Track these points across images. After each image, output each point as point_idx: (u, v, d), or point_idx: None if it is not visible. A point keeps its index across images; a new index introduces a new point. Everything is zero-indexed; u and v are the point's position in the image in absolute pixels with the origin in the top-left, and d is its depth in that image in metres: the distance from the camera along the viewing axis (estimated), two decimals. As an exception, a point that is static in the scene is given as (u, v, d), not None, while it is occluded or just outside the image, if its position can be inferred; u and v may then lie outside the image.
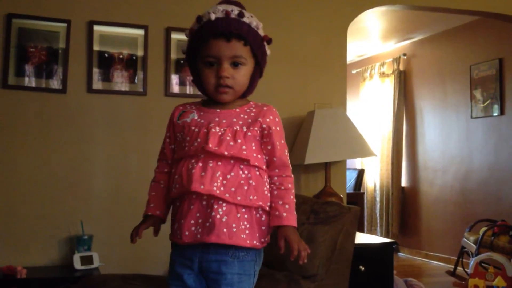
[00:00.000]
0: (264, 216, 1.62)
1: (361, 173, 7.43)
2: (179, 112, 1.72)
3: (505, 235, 4.62)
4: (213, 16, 1.61)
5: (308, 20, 3.52)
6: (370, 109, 7.28)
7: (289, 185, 1.65)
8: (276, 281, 2.44)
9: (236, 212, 1.56)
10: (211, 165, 1.57)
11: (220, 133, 1.60)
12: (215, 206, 1.55)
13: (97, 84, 3.16)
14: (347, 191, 6.87)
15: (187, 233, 1.57)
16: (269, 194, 1.63)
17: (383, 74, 7.06)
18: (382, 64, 7.07)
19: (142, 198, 3.11)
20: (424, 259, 6.15)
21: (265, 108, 1.73)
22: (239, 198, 1.56)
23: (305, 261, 1.61)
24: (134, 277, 2.72)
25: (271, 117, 1.70)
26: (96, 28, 3.15)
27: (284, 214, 1.59)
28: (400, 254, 6.56)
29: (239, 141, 1.60)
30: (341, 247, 2.51)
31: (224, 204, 1.55)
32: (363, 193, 7.29)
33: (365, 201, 7.23)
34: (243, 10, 1.66)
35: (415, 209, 6.51)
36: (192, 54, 1.67)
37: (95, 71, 3.15)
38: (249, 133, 1.63)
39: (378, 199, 7.01)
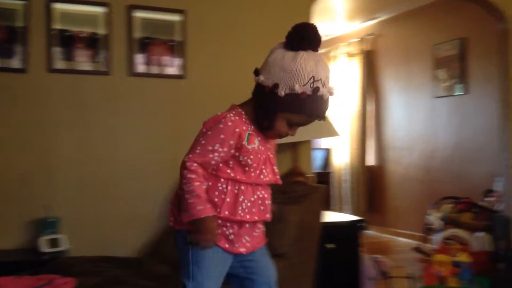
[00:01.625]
0: None
1: (328, 152, 7.47)
2: (247, 134, 1.74)
3: (468, 212, 4.72)
4: (324, 96, 1.67)
5: (271, 1, 3.49)
6: (337, 89, 7.30)
7: None
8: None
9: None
10: (263, 192, 1.79)
11: (275, 165, 1.82)
12: (260, 224, 1.84)
13: (59, 64, 3.07)
14: (315, 171, 6.93)
15: (249, 245, 1.79)
16: None
17: (349, 54, 7.08)
18: (348, 44, 7.09)
19: (109, 179, 3.10)
20: (391, 236, 6.25)
21: None
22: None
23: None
24: (103, 259, 2.69)
25: None
26: (56, 6, 3.05)
27: None
28: (368, 231, 6.66)
29: (275, 167, 1.83)
30: (309, 226, 2.52)
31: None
32: (330, 172, 7.35)
33: (333, 180, 7.30)
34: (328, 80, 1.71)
35: (383, 188, 6.60)
36: (281, 102, 1.68)
37: (56, 50, 3.06)
38: None
39: (346, 178, 7.07)
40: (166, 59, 3.26)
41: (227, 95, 3.33)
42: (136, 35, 3.20)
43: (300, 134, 3.15)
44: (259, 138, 1.75)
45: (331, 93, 1.69)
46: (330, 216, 3.32)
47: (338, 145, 7.25)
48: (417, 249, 5.29)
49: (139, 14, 3.20)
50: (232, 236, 1.75)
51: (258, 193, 1.76)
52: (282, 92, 1.66)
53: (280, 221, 2.42)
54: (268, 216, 1.80)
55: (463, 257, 4.06)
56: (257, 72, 1.78)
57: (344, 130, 7.04)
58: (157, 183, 3.17)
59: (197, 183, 1.67)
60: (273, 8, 3.48)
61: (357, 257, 3.06)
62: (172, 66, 3.28)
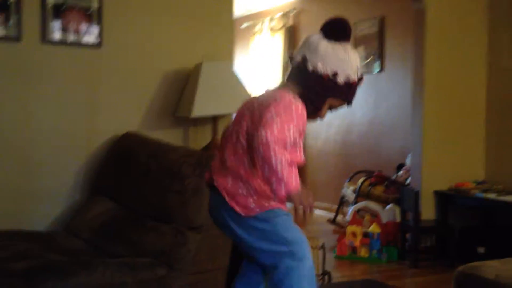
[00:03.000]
0: None
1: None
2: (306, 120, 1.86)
3: (381, 185, 4.94)
4: (357, 80, 1.92)
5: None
6: (260, 63, 7.34)
7: None
8: (162, 234, 2.44)
9: None
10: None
11: None
12: None
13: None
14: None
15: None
16: None
17: (272, 29, 7.12)
18: (272, 19, 7.12)
19: (20, 150, 2.97)
20: (308, 209, 6.43)
21: None
22: None
23: None
24: (11, 233, 2.61)
25: None
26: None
27: None
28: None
29: None
30: (227, 199, 2.54)
31: None
32: (252, 146, 7.42)
33: (254, 154, 7.38)
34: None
35: (301, 162, 6.74)
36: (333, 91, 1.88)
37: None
38: None
39: (266, 152, 7.17)
40: (83, 26, 3.14)
41: (144, 64, 3.28)
42: (50, 1, 3.06)
43: (220, 107, 3.17)
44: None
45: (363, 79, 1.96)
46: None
47: (259, 119, 7.31)
48: (332, 221, 5.50)
49: (53, -21, 3.06)
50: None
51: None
52: (341, 80, 1.87)
53: (197, 194, 2.44)
54: None
55: (373, 228, 4.26)
56: (292, 59, 1.93)
57: (265, 104, 7.10)
58: (71, 155, 3.08)
59: (282, 162, 1.67)
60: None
61: (273, 229, 3.12)
62: (89, 33, 3.17)
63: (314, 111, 1.89)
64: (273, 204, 1.85)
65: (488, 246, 3.99)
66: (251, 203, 1.83)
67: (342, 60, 1.87)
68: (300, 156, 1.84)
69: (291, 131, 1.73)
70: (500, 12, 4.43)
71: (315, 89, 1.87)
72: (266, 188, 1.82)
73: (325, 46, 1.88)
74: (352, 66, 1.89)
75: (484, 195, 4.09)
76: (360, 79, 1.94)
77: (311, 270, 1.85)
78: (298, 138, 1.80)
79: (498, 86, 4.47)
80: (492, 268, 2.32)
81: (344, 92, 1.90)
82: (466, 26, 4.43)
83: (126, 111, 3.22)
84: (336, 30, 1.91)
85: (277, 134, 1.69)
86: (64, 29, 3.11)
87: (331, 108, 1.94)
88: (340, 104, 1.95)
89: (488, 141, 4.53)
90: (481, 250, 4.01)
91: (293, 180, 1.68)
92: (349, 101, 1.95)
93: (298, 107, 1.79)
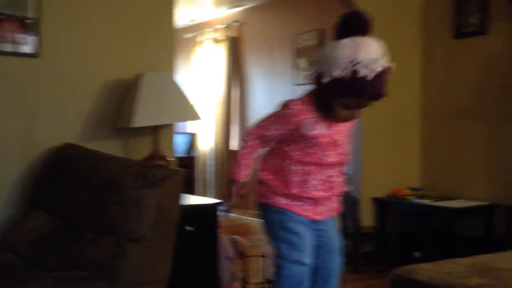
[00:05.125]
0: None
1: (193, 137, 7.52)
2: (309, 121, 1.97)
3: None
4: (369, 77, 1.83)
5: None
6: (203, 74, 7.37)
7: None
8: (101, 246, 2.41)
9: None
10: (331, 172, 2.05)
11: (343, 145, 2.05)
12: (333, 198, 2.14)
13: None
14: (180, 155, 6.95)
15: (321, 212, 2.13)
16: None
17: (215, 40, 7.16)
18: (215, 30, 7.16)
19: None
20: (253, 218, 6.47)
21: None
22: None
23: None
24: None
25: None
26: None
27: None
28: (231, 214, 6.83)
29: (345, 148, 2.07)
30: (168, 209, 2.55)
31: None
32: (194, 156, 7.42)
33: (198, 164, 7.37)
34: (385, 62, 1.88)
35: (245, 172, 6.78)
36: (332, 85, 1.89)
37: None
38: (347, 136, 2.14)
39: (210, 162, 7.18)
40: (20, 36, 3.08)
41: (83, 74, 3.24)
42: (-16, 10, 2.99)
43: (161, 117, 3.17)
44: (324, 124, 1.98)
45: (376, 72, 1.83)
46: (190, 200, 3.37)
47: (203, 129, 7.33)
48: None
49: (-12, -13, 2.99)
50: (311, 206, 2.07)
51: (324, 172, 2.02)
52: (325, 80, 1.88)
53: (138, 205, 2.43)
54: (335, 192, 2.08)
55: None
56: None
57: (209, 115, 7.13)
58: (6, 167, 2.99)
59: (243, 151, 2.03)
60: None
61: (215, 238, 3.14)
62: (27, 43, 3.10)
63: (328, 113, 1.97)
64: (276, 199, 2.05)
65: (424, 250, 4.14)
66: (261, 191, 2.12)
67: (327, 59, 1.89)
68: (314, 157, 1.99)
69: (274, 129, 2.01)
70: (432, 24, 4.64)
71: (316, 92, 1.99)
72: (270, 180, 2.06)
73: (325, 48, 1.98)
74: (339, 62, 1.84)
75: (419, 201, 4.25)
76: (354, 73, 1.84)
77: (294, 274, 2.01)
78: (303, 140, 1.98)
79: (431, 96, 4.66)
80: (425, 270, 2.42)
81: (339, 90, 1.87)
82: (400, 38, 4.60)
83: (65, 122, 3.17)
84: (336, 28, 1.99)
85: (256, 131, 2.05)
86: (0, 39, 3.04)
87: (349, 107, 1.93)
88: (357, 102, 1.92)
89: (422, 149, 4.71)
90: (417, 254, 4.15)
91: (234, 167, 1.97)
92: (364, 96, 1.89)
93: (290, 109, 1.97)
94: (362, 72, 1.82)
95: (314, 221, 2.12)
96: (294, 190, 2.02)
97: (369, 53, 1.85)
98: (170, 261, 2.55)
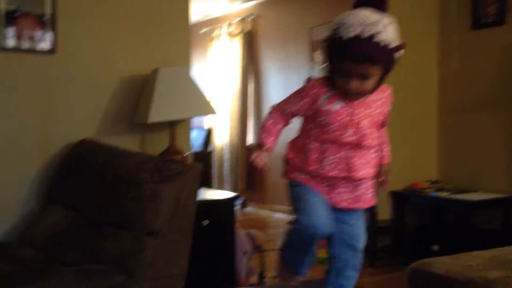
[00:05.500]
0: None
1: (209, 132, 7.54)
2: (324, 96, 1.99)
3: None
4: (345, 37, 1.84)
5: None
6: (218, 68, 7.37)
7: (384, 131, 2.20)
8: (119, 240, 2.43)
9: (370, 184, 2.13)
10: (363, 152, 2.03)
11: (368, 125, 2.01)
12: (364, 181, 2.08)
13: None
14: (196, 150, 6.98)
15: (340, 198, 2.09)
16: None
17: (230, 34, 7.16)
18: (230, 24, 7.16)
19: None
20: (269, 212, 6.48)
21: (388, 93, 2.12)
22: (372, 173, 2.10)
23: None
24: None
25: (390, 102, 2.12)
26: None
27: (387, 154, 2.22)
28: (248, 208, 6.84)
29: (371, 130, 2.02)
30: (184, 203, 2.56)
31: (367, 181, 2.09)
32: (211, 151, 7.43)
33: (214, 159, 7.39)
34: (378, 28, 1.86)
35: (261, 166, 6.78)
36: (331, 54, 1.94)
37: None
38: (377, 122, 2.07)
39: (226, 156, 7.19)
40: (37, 33, 3.11)
41: (100, 70, 3.26)
42: (2, 7, 3.01)
43: (177, 112, 3.18)
44: (342, 101, 1.98)
45: (354, 33, 1.83)
46: (207, 194, 3.38)
47: (219, 124, 7.34)
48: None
49: (5, -15, 3.02)
50: (327, 187, 2.07)
51: (343, 152, 2.00)
52: (324, 45, 1.97)
53: (154, 200, 2.44)
54: (355, 174, 2.02)
55: (332, 230, 4.33)
56: None
57: (225, 110, 7.13)
58: (25, 163, 3.03)
59: (267, 123, 2.10)
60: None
61: (232, 233, 3.15)
62: (43, 40, 3.13)
63: (336, 86, 1.97)
64: (297, 175, 2.12)
65: (442, 243, 4.11)
66: (285, 169, 2.21)
67: (337, 22, 1.92)
68: (331, 135, 2.00)
69: (295, 103, 2.05)
70: (449, 14, 4.58)
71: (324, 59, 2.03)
72: (292, 158, 2.14)
73: None
74: (332, 26, 1.91)
75: (437, 194, 4.22)
76: (334, 32, 1.89)
77: (302, 234, 2.06)
78: (319, 116, 2.00)
79: (449, 88, 4.62)
80: (442, 264, 2.40)
81: (326, 51, 1.95)
82: (416, 30, 4.55)
83: (82, 118, 3.19)
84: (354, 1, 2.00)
85: (280, 105, 2.11)
86: (18, 36, 3.07)
87: (341, 74, 1.91)
88: (347, 66, 1.88)
89: (440, 142, 4.67)
90: (435, 247, 4.12)
91: (261, 134, 2.11)
92: (348, 57, 1.87)
93: (308, 83, 2.04)
94: (341, 32, 1.87)
95: (338, 210, 2.10)
96: (311, 168, 2.05)
97: (356, 17, 1.88)
98: (187, 255, 2.57)
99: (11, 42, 3.05)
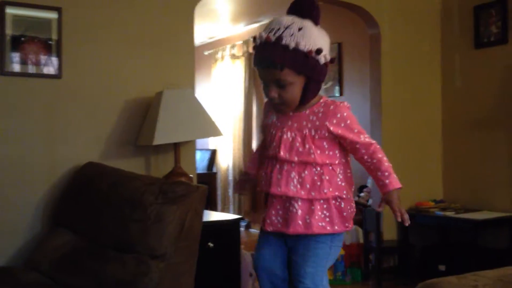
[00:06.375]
0: (343, 203, 1.86)
1: (213, 153, 7.54)
2: (266, 110, 1.97)
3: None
4: (257, 42, 1.78)
5: (155, 1, 3.48)
6: (222, 90, 7.41)
7: (379, 155, 1.85)
8: (124, 264, 2.43)
9: (311, 205, 1.83)
10: (286, 168, 1.83)
11: (291, 139, 1.84)
12: (293, 202, 1.83)
13: None
14: (201, 172, 6.98)
15: (268, 221, 1.90)
16: (343, 184, 1.86)
17: (234, 56, 7.21)
18: (233, 46, 7.22)
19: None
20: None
21: (331, 108, 1.85)
22: (313, 193, 1.82)
23: (408, 222, 1.83)
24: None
25: (337, 116, 1.84)
26: None
27: (387, 181, 1.83)
28: (252, 230, 6.82)
29: (307, 146, 1.82)
30: (190, 225, 2.56)
31: (299, 200, 1.83)
32: (216, 173, 7.43)
33: (218, 180, 7.39)
34: (288, 31, 1.74)
35: (265, 187, 6.77)
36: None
37: None
38: (317, 137, 1.83)
39: (231, 178, 7.19)
40: (42, 57, 3.15)
41: (105, 94, 3.29)
42: (8, 32, 3.06)
43: (182, 134, 3.20)
44: (275, 115, 1.92)
45: (264, 38, 1.76)
46: (211, 216, 3.38)
47: (223, 145, 7.35)
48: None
49: (12, 11, 3.06)
50: (266, 209, 1.94)
51: (272, 165, 1.87)
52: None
53: (159, 222, 2.44)
54: (271, 190, 1.85)
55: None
56: None
57: (229, 131, 7.15)
58: (31, 187, 3.04)
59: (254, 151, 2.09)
60: (154, 8, 3.47)
61: (237, 255, 3.14)
62: (49, 65, 3.17)
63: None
64: None
65: (448, 263, 4.09)
66: None
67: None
68: (268, 148, 1.92)
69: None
70: (452, 33, 4.61)
71: None
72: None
73: None
74: (263, 29, 1.86)
75: (442, 213, 4.20)
76: (253, 39, 1.84)
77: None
78: (265, 135, 1.95)
79: (452, 106, 4.63)
80: (449, 284, 2.37)
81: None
82: (420, 49, 4.59)
83: (88, 141, 3.21)
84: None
85: None
86: (24, 61, 3.10)
87: (263, 82, 1.85)
88: (260, 74, 1.84)
89: (444, 160, 4.67)
90: (442, 268, 4.10)
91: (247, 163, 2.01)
92: (256, 65, 1.85)
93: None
94: (257, 39, 1.80)
95: (287, 236, 1.91)
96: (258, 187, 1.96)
97: (271, 23, 1.81)
98: (192, 277, 2.56)
99: (17, 66, 3.08)
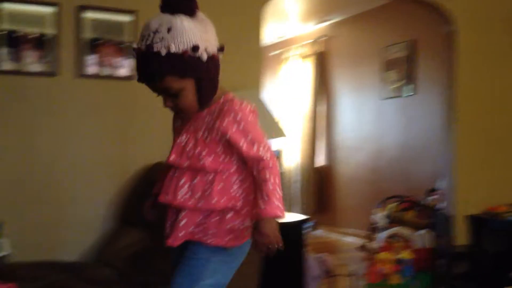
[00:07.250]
0: (231, 215, 1.65)
1: (279, 154, 7.55)
2: (174, 116, 1.78)
3: (411, 210, 4.88)
4: (134, 55, 1.61)
5: (222, 2, 3.52)
6: (290, 90, 7.41)
7: (266, 175, 1.62)
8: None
9: (198, 217, 1.63)
10: (176, 174, 1.65)
11: (184, 143, 1.67)
12: (180, 212, 1.64)
13: (5, 65, 3.03)
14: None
15: (166, 231, 1.68)
16: (238, 195, 1.66)
17: (302, 56, 7.19)
18: (302, 46, 7.19)
19: (54, 182, 3.07)
20: (339, 236, 6.39)
21: (226, 106, 1.66)
22: (202, 202, 1.61)
23: (272, 255, 1.64)
24: (45, 264, 2.67)
25: (230, 116, 1.63)
26: (4, 6, 3.02)
27: (262, 206, 1.59)
28: (318, 231, 6.78)
29: (198, 149, 1.64)
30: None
31: (185, 210, 1.63)
32: (281, 173, 7.42)
33: (284, 181, 7.39)
34: (156, 34, 1.56)
35: (332, 188, 6.73)
36: None
37: (3, 51, 3.02)
38: (208, 139, 1.64)
39: (296, 178, 7.18)
40: (116, 60, 3.27)
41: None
42: (85, 36, 3.19)
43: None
44: (179, 119, 1.76)
45: (139, 47, 1.58)
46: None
47: (289, 146, 7.35)
48: (362, 248, 5.44)
49: (89, 15, 3.20)
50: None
51: (172, 173, 1.68)
52: None
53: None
54: (173, 198, 1.64)
55: (405, 254, 4.21)
56: None
57: (295, 131, 7.14)
58: (105, 185, 3.17)
59: None
60: (224, 10, 3.51)
61: (301, 257, 3.13)
62: (123, 67, 3.28)
63: None
64: None
65: (522, 271, 3.91)
66: None
67: None
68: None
69: None
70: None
71: None
72: None
73: None
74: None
75: (517, 219, 4.02)
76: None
77: None
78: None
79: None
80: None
81: None
82: (499, 46, 4.38)
83: (157, 141, 3.30)
84: None
85: None
86: (99, 63, 3.23)
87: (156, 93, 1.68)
88: (148, 85, 1.67)
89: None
90: (515, 276, 3.92)
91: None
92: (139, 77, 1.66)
93: None
94: (134, 51, 1.61)
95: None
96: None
97: (142, 30, 1.61)
98: (256, 279, 2.57)
99: (92, 69, 3.21)
